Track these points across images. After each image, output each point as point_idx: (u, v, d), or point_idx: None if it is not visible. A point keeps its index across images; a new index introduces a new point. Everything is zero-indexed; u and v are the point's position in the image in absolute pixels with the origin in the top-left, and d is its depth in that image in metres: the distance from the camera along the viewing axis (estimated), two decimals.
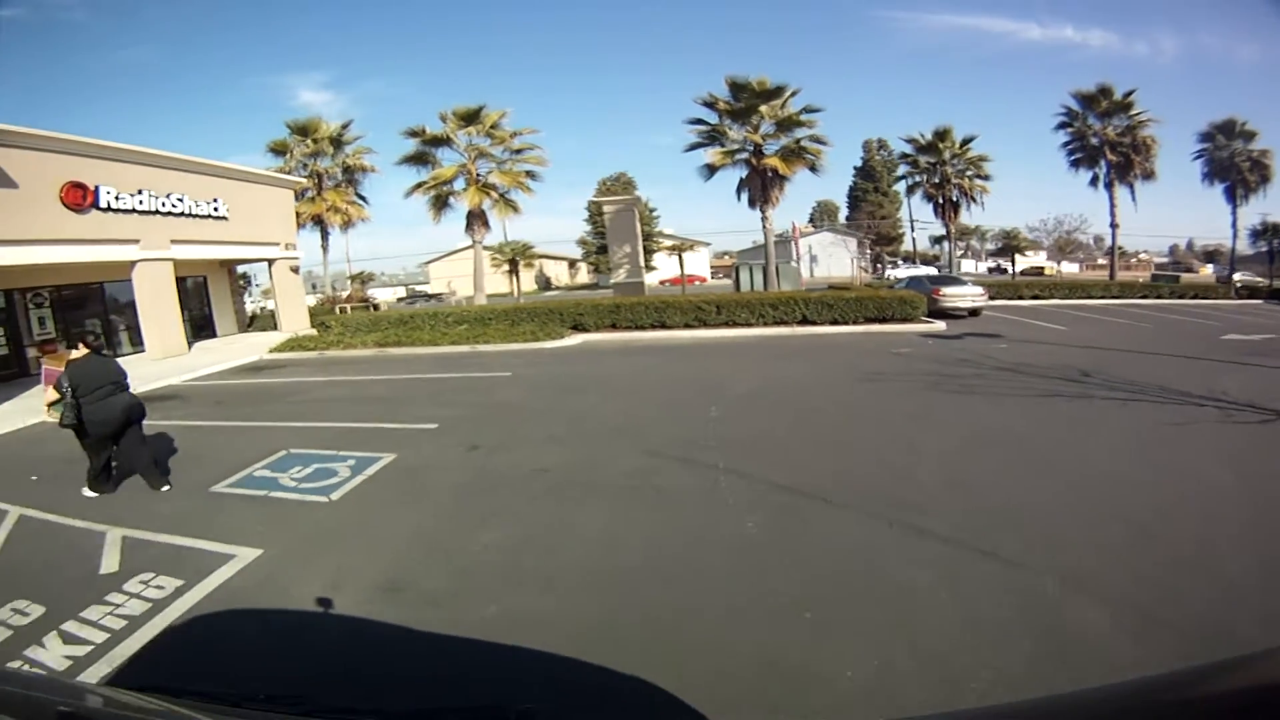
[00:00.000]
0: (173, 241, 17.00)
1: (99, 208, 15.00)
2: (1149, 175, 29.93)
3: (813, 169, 22.92)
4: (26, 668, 3.16)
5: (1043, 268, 58.72)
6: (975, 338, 14.28)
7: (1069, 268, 62.85)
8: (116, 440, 5.74)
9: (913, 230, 49.11)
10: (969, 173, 29.40)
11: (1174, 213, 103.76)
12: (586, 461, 6.22)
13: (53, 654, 3.23)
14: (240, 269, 25.03)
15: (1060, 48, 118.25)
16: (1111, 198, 30.39)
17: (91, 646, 3.29)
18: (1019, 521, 4.38)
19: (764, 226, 24.11)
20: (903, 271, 38.42)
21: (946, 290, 18.20)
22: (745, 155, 23.48)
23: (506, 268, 31.91)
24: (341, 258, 61.90)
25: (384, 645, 3.19)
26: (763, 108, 21.97)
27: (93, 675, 3.01)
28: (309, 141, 24.69)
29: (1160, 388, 8.58)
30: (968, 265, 62.20)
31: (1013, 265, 50.93)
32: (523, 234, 71.73)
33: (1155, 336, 14.76)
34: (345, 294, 32.77)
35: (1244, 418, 6.98)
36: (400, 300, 51.42)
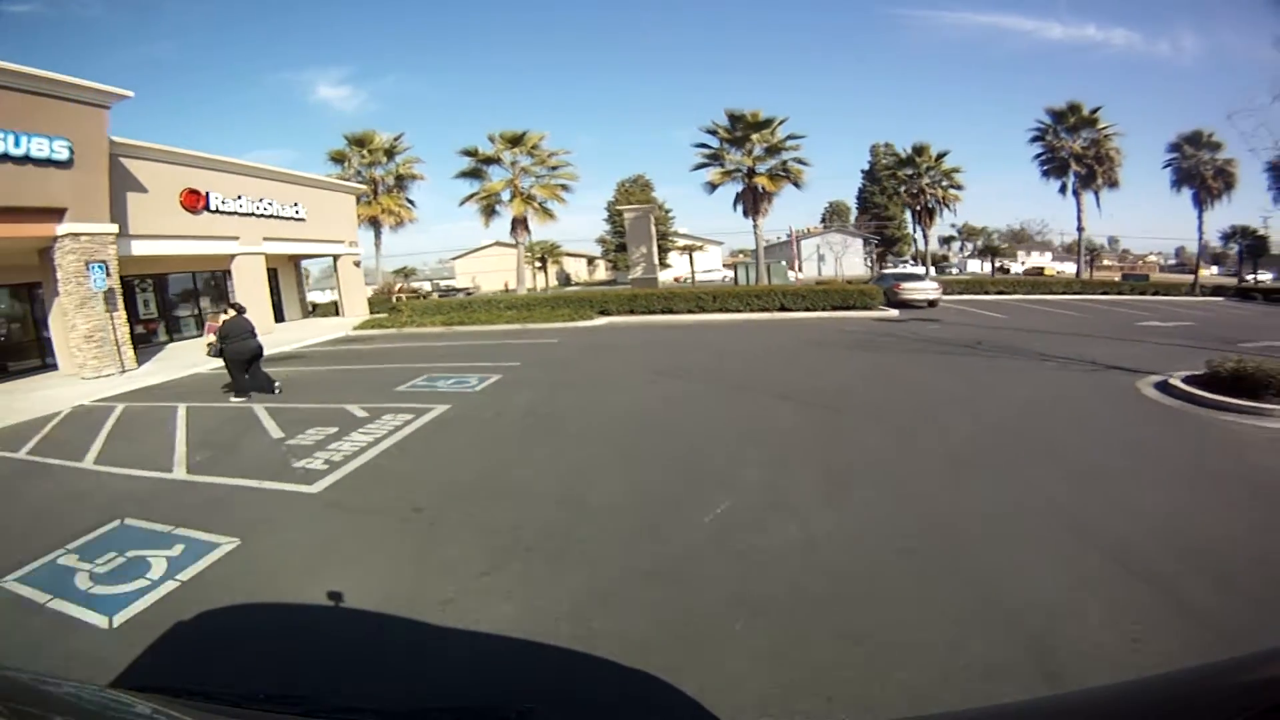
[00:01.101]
0: (264, 239, 20.80)
1: (209, 210, 18.74)
2: (1113, 184, 32.94)
3: (796, 185, 27.39)
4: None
5: (1042, 268, 61.20)
6: (917, 321, 17.69)
7: (1069, 268, 65.19)
8: (248, 368, 9.74)
9: (914, 230, 52.11)
10: (943, 183, 32.75)
11: (1182, 218, 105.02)
12: (617, 377, 10.26)
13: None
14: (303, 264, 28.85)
15: (1082, 46, 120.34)
16: (1079, 204, 33.54)
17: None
18: (857, 402, 8.16)
19: (755, 233, 28.30)
20: (891, 270, 41.67)
21: (906, 285, 21.62)
22: (740, 174, 27.53)
23: (538, 264, 35.71)
24: (386, 254, 66.11)
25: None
26: (755, 135, 26.25)
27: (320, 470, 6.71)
28: (365, 152, 28.63)
29: (1036, 352, 11.77)
30: (973, 265, 65.00)
31: (992, 265, 53.47)
32: (543, 233, 75.30)
33: (1078, 323, 17.89)
34: (398, 285, 36.76)
35: (1077, 368, 10.07)
36: (429, 294, 55.46)
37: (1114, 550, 3.81)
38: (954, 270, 59.81)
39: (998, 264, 66.01)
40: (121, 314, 13.70)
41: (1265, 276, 45.31)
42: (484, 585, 3.70)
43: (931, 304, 21.56)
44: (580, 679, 2.85)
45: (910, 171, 33.60)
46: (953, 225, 70.69)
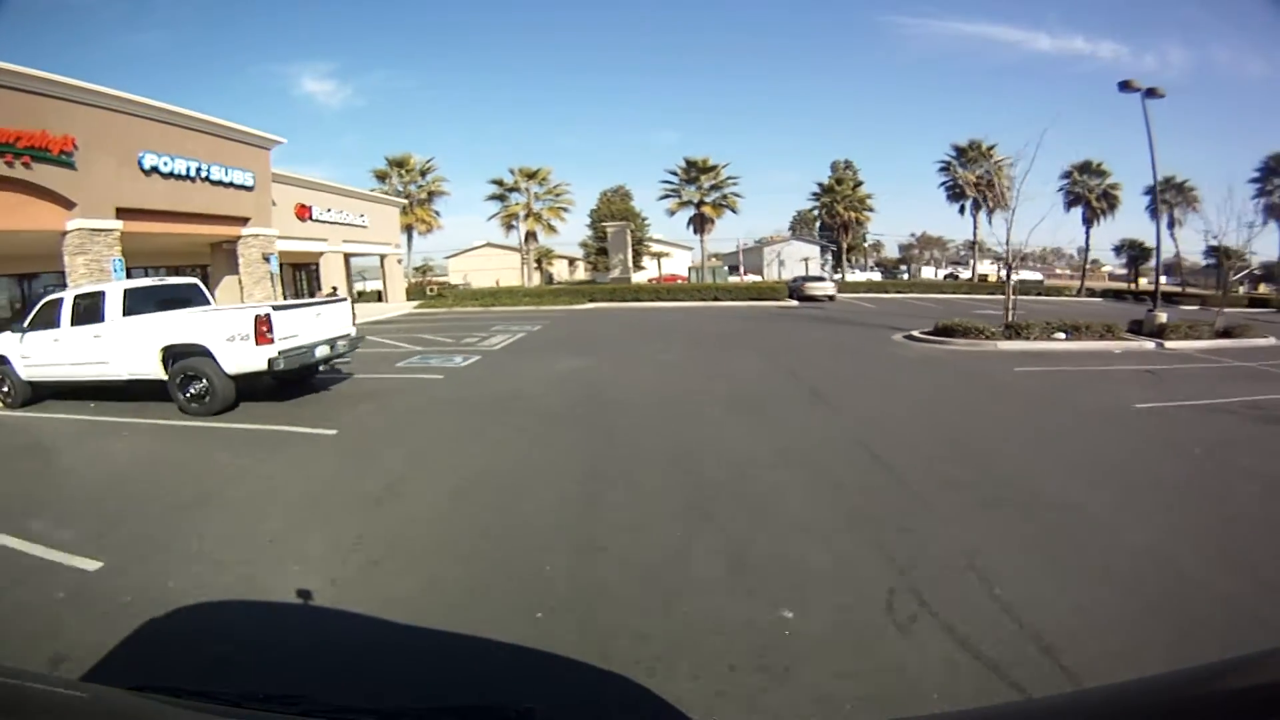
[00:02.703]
0: (342, 240, 28.25)
1: (312, 219, 26.18)
2: (1003, 206, 41.33)
3: (733, 211, 37.40)
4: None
5: (986, 275, 69.20)
6: (805, 308, 25.54)
7: (1031, 275, 73.63)
8: None
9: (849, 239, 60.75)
10: (856, 206, 41.27)
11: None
12: (605, 328, 18.12)
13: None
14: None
15: (1070, 59, 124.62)
16: (975, 223, 42.01)
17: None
18: (729, 337, 16.17)
19: (701, 247, 37.07)
20: (801, 274, 50.10)
21: (810, 285, 29.64)
22: (692, 204, 35.59)
23: (535, 265, 43.39)
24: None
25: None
26: (703, 176, 34.89)
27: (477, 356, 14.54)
28: (403, 171, 36.15)
29: (861, 323, 19.68)
30: (928, 271, 73.56)
31: (909, 273, 61.33)
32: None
33: (919, 310, 25.49)
34: (429, 279, 44.52)
35: (873, 329, 18.07)
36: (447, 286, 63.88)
37: (815, 381, 11.60)
38: (903, 275, 67.83)
39: (948, 270, 74.62)
40: (279, 288, 21.13)
41: (1165, 280, 53.77)
42: (585, 358, 11.39)
43: (830, 298, 29.52)
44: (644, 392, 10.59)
45: (829, 199, 42.16)
46: (912, 235, 79.83)
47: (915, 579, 3.44)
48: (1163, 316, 16.23)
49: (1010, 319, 15.72)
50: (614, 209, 49.83)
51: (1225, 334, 15.61)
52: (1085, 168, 45.24)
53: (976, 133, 47.14)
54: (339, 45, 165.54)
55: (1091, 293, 40.19)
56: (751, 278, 41.12)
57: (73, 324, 8.68)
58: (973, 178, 41.36)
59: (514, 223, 37.25)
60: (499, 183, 36.87)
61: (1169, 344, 14.63)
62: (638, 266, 46.87)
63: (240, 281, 20.50)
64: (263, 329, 7.57)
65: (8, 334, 9.35)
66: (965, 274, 66.24)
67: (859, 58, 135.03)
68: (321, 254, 27.28)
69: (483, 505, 4.81)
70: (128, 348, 8.25)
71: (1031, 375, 10.55)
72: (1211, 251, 28.95)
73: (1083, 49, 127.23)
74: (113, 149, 15.50)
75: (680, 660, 2.77)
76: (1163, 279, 56.75)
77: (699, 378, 10.33)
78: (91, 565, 3.85)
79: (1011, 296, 17.16)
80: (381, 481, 5.32)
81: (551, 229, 37.71)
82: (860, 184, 41.45)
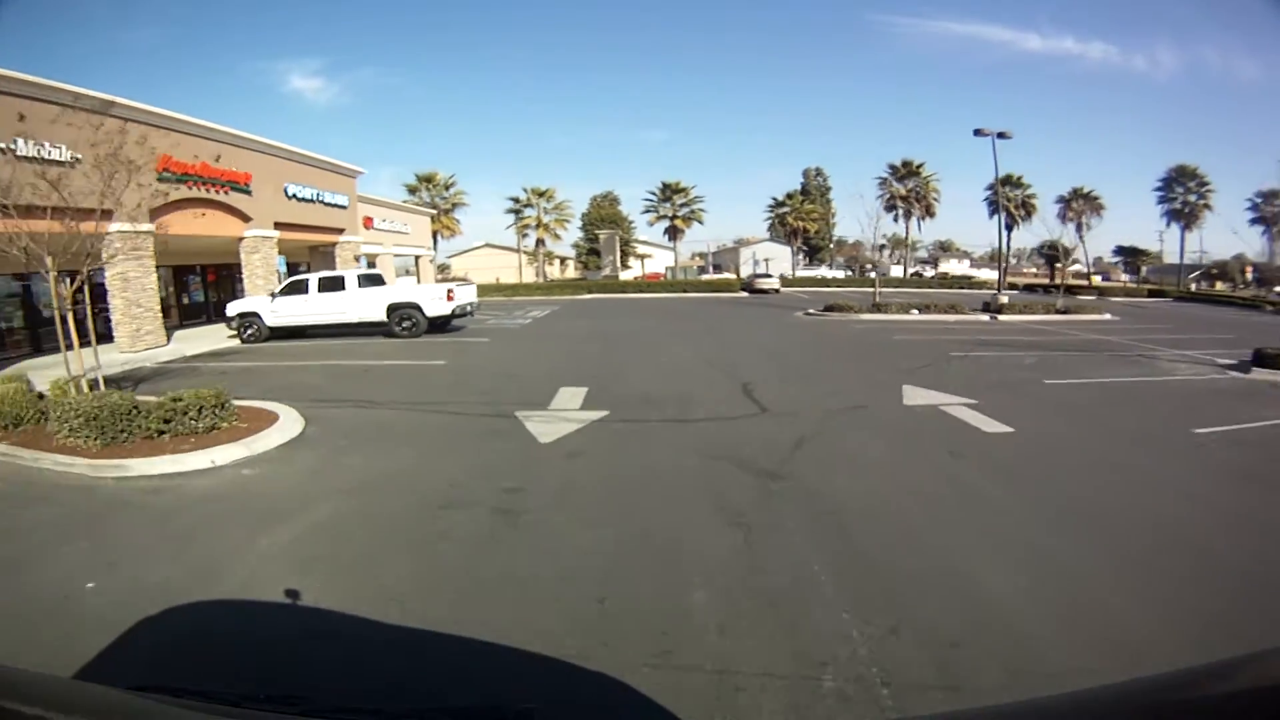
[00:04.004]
0: (394, 244, 35.70)
1: (374, 228, 33.61)
2: (930, 215, 49.94)
3: (700, 223, 46.85)
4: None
5: (946, 272, 75.04)
6: (752, 298, 33.43)
7: (985, 273, 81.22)
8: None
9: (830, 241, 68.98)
10: (804, 218, 49.73)
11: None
12: (604, 307, 26.23)
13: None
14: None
15: (1061, 58, 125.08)
16: (906, 229, 50.43)
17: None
18: (687, 313, 24.18)
19: (674, 252, 45.82)
20: (752, 272, 57.93)
21: (757, 280, 37.62)
22: (667, 218, 44.01)
23: (541, 263, 51.23)
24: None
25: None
26: (676, 196, 43.12)
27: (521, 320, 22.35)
28: (430, 185, 43.71)
29: (783, 306, 27.53)
30: (896, 270, 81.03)
31: (905, 268, 68.89)
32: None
33: (848, 297, 33.74)
34: (453, 275, 52.08)
35: (789, 310, 25.94)
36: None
37: (719, 332, 19.48)
38: (873, 274, 73.97)
39: (913, 269, 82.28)
40: None
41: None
42: (593, 320, 19.14)
43: (776, 291, 37.39)
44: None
45: (784, 210, 50.56)
46: (883, 236, 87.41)
47: (735, 376, 11.31)
48: (1004, 299, 24.16)
49: (876, 301, 23.66)
50: (603, 213, 57.51)
51: (1064, 311, 22.61)
52: (1007, 180, 53.50)
53: (954, 129, 55.36)
54: (326, 43, 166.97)
55: (1013, 287, 48.38)
56: (722, 276, 49.20)
57: (319, 291, 16.26)
58: (903, 191, 49.95)
59: (527, 231, 45.94)
60: (515, 199, 45.85)
61: (1002, 317, 22.27)
62: (625, 266, 54.85)
63: None
64: (450, 295, 15.28)
65: (262, 297, 16.88)
66: (930, 272, 72.41)
67: (844, 57, 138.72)
68: (378, 255, 34.67)
69: (567, 354, 12.64)
70: (363, 304, 15.88)
71: (855, 330, 18.42)
72: (1057, 250, 37.60)
73: (1072, 49, 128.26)
74: (270, 180, 22.91)
75: (635, 373, 10.62)
76: (1086, 271, 65.43)
77: (657, 329, 18.28)
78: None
79: (878, 288, 25.25)
80: (523, 353, 13.13)
81: (557, 237, 47.13)
82: (815, 195, 50.35)
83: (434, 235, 44.18)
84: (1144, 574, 3.91)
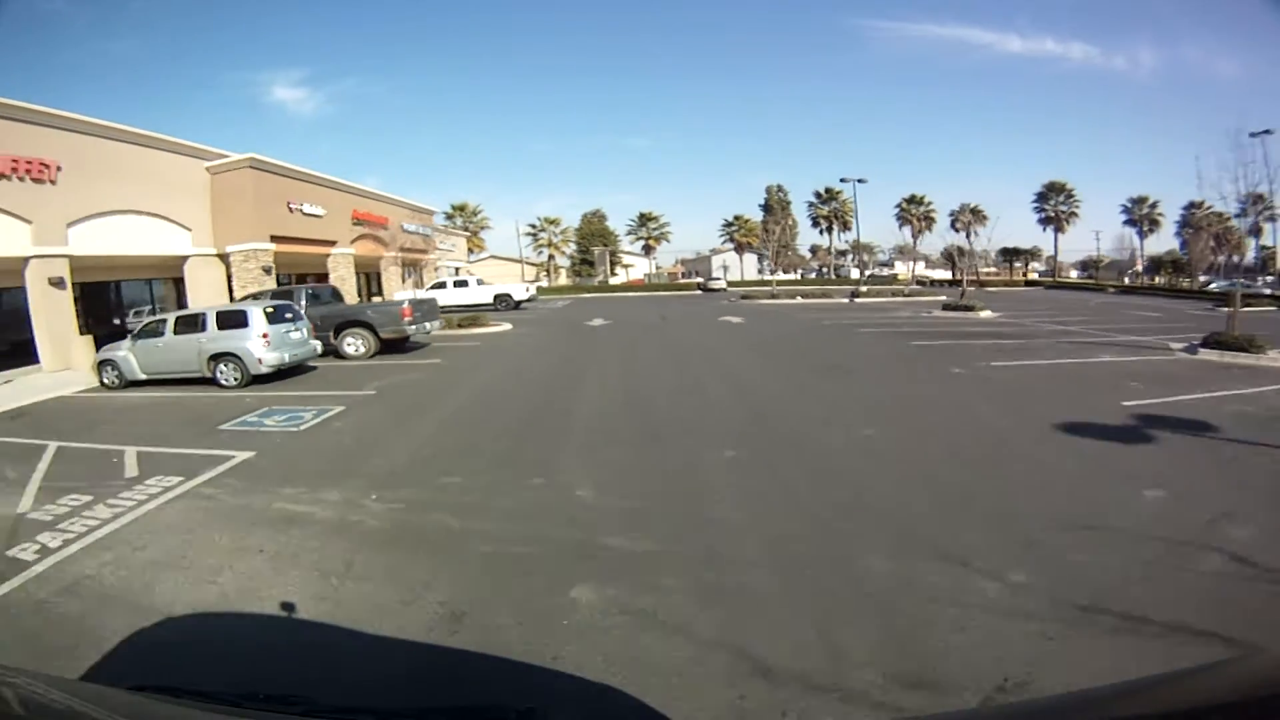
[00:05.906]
0: (449, 259, 49.54)
1: (438, 248, 47.40)
2: (847, 228, 64.63)
3: (668, 241, 60.66)
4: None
5: (897, 274, 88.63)
6: (705, 296, 47.54)
7: (939, 273, 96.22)
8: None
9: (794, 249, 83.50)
10: (747, 234, 64.47)
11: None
12: (603, 302, 40.64)
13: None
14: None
15: (1043, 60, 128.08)
16: (830, 241, 65.20)
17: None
18: (657, 304, 38.26)
19: (650, 263, 60.21)
20: (704, 279, 72.36)
21: (710, 282, 51.88)
22: (643, 239, 58.56)
23: (541, 273, 65.22)
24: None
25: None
26: (650, 222, 57.51)
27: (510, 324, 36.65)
28: (462, 213, 57.74)
29: (720, 301, 41.60)
30: (855, 273, 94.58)
31: (861, 270, 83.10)
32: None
33: (776, 293, 48.10)
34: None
35: (725, 302, 40.04)
36: None
37: (667, 313, 33.64)
38: (831, 275, 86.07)
39: (871, 271, 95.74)
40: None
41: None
42: (605, 306, 33.24)
43: (723, 290, 51.32)
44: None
45: (733, 229, 65.48)
46: (848, 241, 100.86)
47: (664, 314, 25.57)
48: (864, 289, 38.39)
49: (774, 292, 37.98)
50: (593, 228, 71.65)
51: (908, 296, 37.47)
52: (912, 199, 68.65)
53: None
54: (309, 53, 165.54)
55: (921, 283, 62.85)
56: (687, 280, 63.83)
57: (454, 288, 30.33)
58: (825, 211, 64.70)
59: (541, 250, 60.26)
60: (533, 223, 61.46)
61: (858, 300, 36.29)
62: (613, 274, 69.25)
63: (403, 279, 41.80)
64: (527, 289, 29.45)
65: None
66: (887, 273, 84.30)
67: (825, 60, 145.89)
68: (438, 265, 48.54)
69: (594, 312, 26.75)
70: (474, 296, 29.95)
71: (745, 305, 32.60)
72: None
73: (1054, 49, 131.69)
74: (397, 220, 36.68)
75: (623, 316, 24.88)
76: (976, 269, 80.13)
77: (634, 308, 32.30)
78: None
79: (775, 285, 39.50)
80: (576, 311, 27.20)
81: (561, 252, 61.77)
82: (776, 209, 65.69)
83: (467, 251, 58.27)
84: (772, 343, 18.19)
